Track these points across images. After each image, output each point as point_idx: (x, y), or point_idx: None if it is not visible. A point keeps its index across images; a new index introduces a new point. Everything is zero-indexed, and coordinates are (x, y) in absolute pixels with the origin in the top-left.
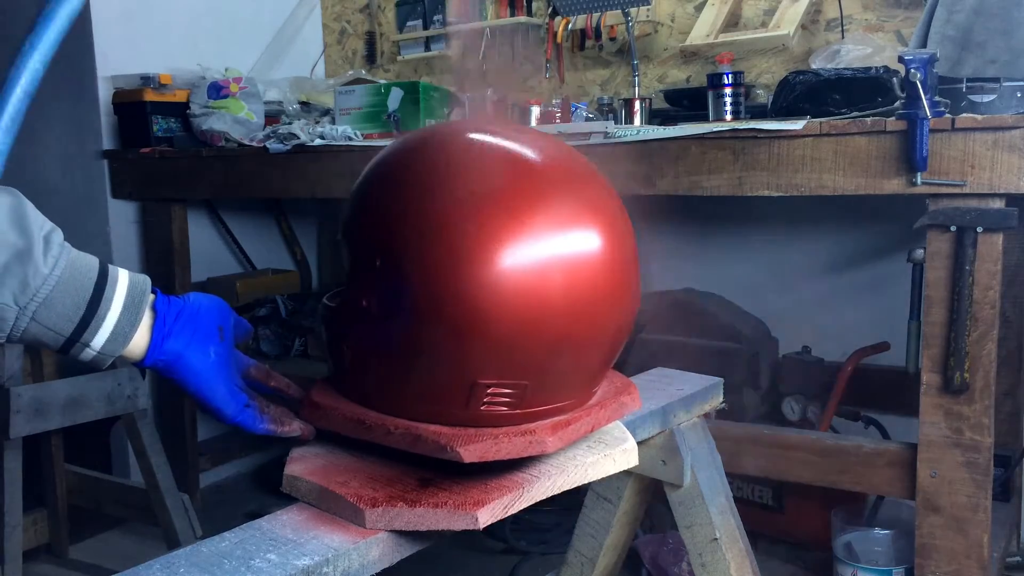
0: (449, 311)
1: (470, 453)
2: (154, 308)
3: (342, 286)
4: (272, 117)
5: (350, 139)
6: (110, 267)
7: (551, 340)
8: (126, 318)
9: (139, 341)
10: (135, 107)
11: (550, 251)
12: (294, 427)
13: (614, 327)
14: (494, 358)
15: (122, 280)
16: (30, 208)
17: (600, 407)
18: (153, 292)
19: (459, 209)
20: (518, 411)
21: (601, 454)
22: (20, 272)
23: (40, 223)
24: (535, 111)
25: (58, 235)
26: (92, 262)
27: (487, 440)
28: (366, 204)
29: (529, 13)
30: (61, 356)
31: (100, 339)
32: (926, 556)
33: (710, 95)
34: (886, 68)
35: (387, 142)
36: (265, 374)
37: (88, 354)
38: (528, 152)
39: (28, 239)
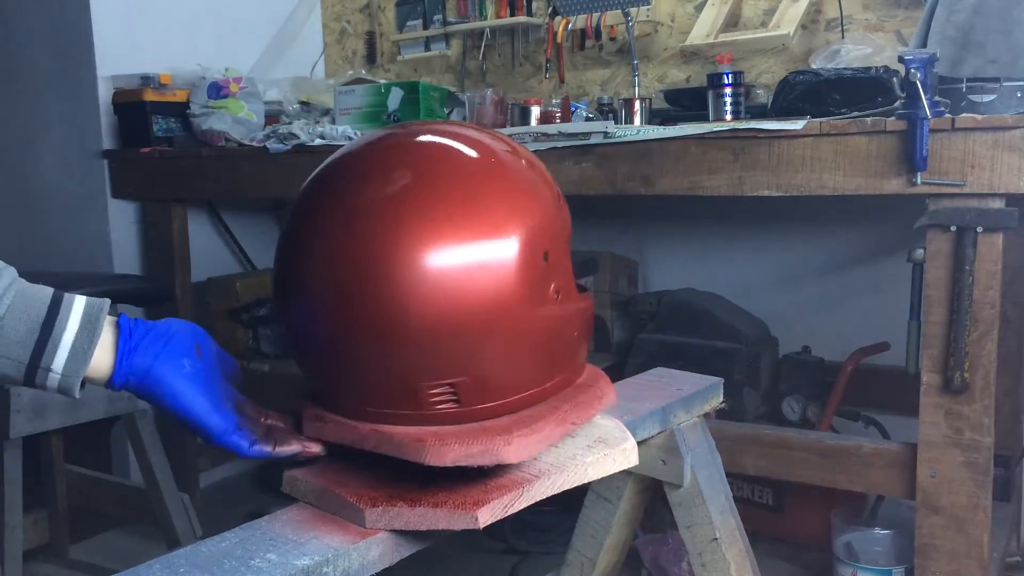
0: (369, 313)
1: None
2: (118, 326)
3: None
4: (272, 117)
5: (350, 139)
6: (65, 294)
7: (471, 336)
8: (84, 334)
9: (103, 358)
10: (135, 107)
11: (462, 250)
12: (292, 446)
13: (538, 320)
14: (419, 357)
15: (78, 302)
16: None
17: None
18: (116, 315)
19: (372, 211)
20: (467, 408)
21: (601, 454)
22: None
23: None
24: (535, 111)
25: (9, 272)
26: (45, 291)
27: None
28: (294, 213)
29: (529, 13)
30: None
31: (60, 360)
32: (926, 556)
33: (710, 95)
34: (886, 68)
35: None
36: (258, 412)
37: (53, 379)
38: (448, 149)
39: None
